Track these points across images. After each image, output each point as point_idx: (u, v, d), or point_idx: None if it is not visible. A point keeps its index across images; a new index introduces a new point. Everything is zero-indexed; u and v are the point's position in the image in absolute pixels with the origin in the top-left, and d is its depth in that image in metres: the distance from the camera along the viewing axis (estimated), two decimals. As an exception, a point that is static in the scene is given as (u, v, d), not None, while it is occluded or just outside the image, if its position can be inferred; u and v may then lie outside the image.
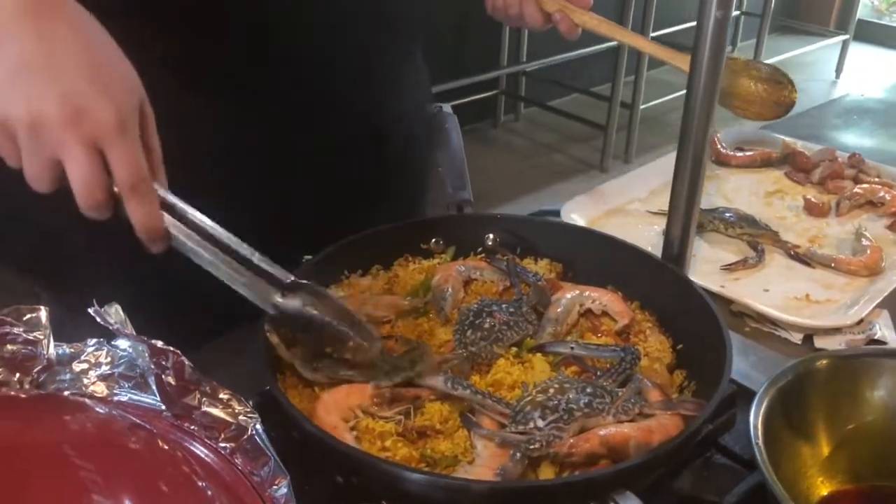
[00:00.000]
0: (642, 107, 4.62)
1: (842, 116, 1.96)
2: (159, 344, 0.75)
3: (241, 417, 0.76)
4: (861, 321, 1.11)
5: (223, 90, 1.06)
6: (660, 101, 4.77)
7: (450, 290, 1.05)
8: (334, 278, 1.07)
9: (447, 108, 1.32)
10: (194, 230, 0.82)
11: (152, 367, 0.77)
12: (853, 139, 1.84)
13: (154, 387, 0.78)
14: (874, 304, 1.14)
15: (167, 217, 0.80)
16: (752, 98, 1.18)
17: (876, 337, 1.07)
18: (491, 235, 1.15)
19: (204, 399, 0.76)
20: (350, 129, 1.17)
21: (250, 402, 0.85)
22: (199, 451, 0.74)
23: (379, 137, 1.21)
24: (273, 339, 0.90)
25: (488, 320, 0.97)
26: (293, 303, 0.87)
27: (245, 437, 0.75)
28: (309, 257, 1.03)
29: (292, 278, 0.87)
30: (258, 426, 0.75)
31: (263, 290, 0.86)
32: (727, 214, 1.37)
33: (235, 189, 1.05)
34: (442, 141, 1.26)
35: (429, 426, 0.85)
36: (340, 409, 0.85)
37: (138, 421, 0.73)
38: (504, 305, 1.00)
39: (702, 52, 0.97)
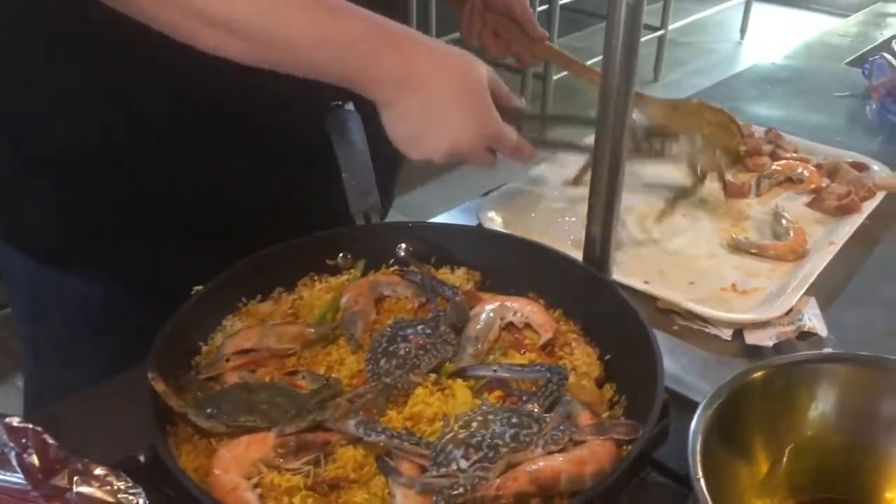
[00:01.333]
0: (555, 77, 4.59)
1: (756, 86, 1.94)
2: (15, 422, 0.65)
3: (120, 496, 0.66)
4: (790, 311, 1.07)
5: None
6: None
7: (360, 311, 0.97)
8: (230, 307, 0.97)
9: (349, 105, 1.22)
10: None
11: (11, 444, 0.66)
12: (767, 110, 1.82)
13: (15, 463, 0.67)
14: (801, 292, 1.10)
15: None
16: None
17: (806, 328, 1.03)
18: (403, 245, 1.07)
19: (76, 478, 0.66)
20: (232, 135, 1.07)
21: (141, 457, 0.76)
22: (75, 538, 0.65)
23: (267, 142, 1.11)
24: (159, 386, 0.80)
25: (403, 346, 0.90)
26: None
27: (127, 516, 0.65)
28: (199, 288, 0.93)
29: None
30: (141, 502, 0.66)
31: None
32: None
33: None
34: (344, 143, 1.16)
35: (342, 476, 0.77)
36: (240, 466, 0.76)
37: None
38: (420, 327, 0.93)
39: (616, 25, 0.89)
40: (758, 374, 0.77)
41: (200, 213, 1.08)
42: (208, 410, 0.81)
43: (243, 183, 1.12)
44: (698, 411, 0.72)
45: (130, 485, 0.67)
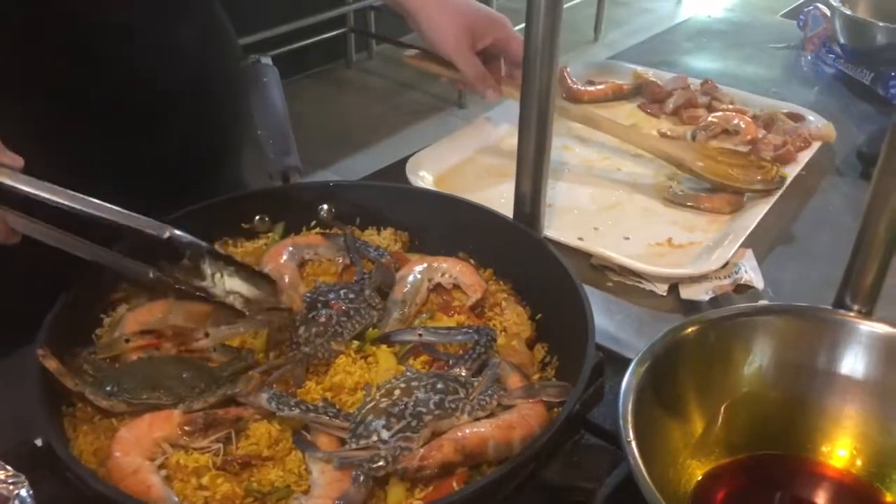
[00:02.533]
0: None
1: (692, 39, 1.91)
2: None
3: (0, 486, 0.60)
4: (726, 264, 1.05)
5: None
6: (515, 28, 4.67)
7: (286, 280, 0.90)
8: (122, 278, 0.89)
9: (266, 59, 1.15)
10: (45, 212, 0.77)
11: None
12: (704, 63, 1.79)
13: None
14: (738, 245, 1.08)
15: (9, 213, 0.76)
16: (732, 179, 1.19)
17: (742, 281, 1.01)
18: (325, 206, 1.01)
19: (-52, 468, 0.60)
20: (135, 95, 0.99)
21: (38, 442, 0.70)
22: (-52, 534, 0.58)
23: (173, 101, 1.03)
24: (50, 364, 0.73)
25: (324, 312, 0.84)
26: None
27: (9, 508, 0.59)
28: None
29: (168, 233, 0.80)
30: (23, 492, 0.60)
31: (136, 271, 0.82)
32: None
33: None
34: (260, 98, 1.09)
35: (254, 454, 0.71)
36: (143, 447, 0.70)
37: None
38: (342, 291, 0.87)
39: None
40: (691, 330, 0.73)
41: (112, 175, 1.00)
42: (108, 388, 0.75)
43: (156, 143, 1.04)
44: (629, 370, 0.69)
45: (11, 474, 0.60)
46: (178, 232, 0.80)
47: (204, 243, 0.82)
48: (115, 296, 0.88)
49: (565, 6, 0.95)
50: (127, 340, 0.80)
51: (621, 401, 0.66)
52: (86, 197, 0.77)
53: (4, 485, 0.60)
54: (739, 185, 1.18)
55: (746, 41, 1.90)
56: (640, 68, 1.59)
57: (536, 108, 0.91)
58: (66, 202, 0.76)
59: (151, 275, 0.82)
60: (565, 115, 1.30)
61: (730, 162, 1.21)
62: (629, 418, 0.64)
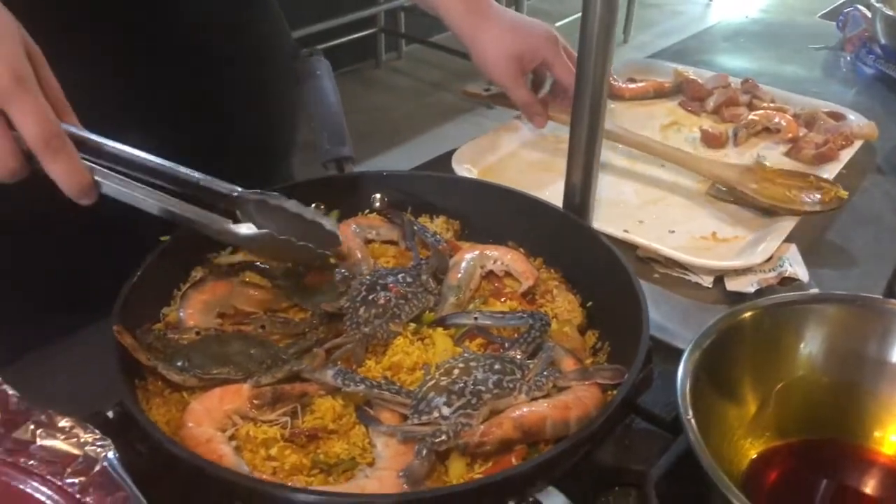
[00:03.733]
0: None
1: (729, 40, 1.92)
2: (-29, 372, 0.61)
3: (88, 448, 0.63)
4: (770, 258, 1.06)
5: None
6: (558, 24, 4.69)
7: (358, 255, 0.94)
8: (198, 258, 0.93)
9: (318, 52, 1.18)
10: (126, 167, 0.78)
11: (-31, 397, 0.62)
12: (741, 63, 1.80)
13: (-25, 419, 0.64)
14: (782, 239, 1.09)
15: (92, 164, 0.74)
16: (789, 201, 1.17)
17: (787, 274, 1.02)
18: (378, 195, 1.04)
19: (39, 431, 0.63)
20: (196, 83, 1.02)
21: (110, 413, 0.73)
22: (40, 493, 0.61)
23: (232, 87, 1.06)
24: (125, 340, 0.76)
25: (383, 295, 0.87)
26: (246, 232, 0.81)
27: (96, 469, 0.62)
28: (166, 238, 0.89)
29: (238, 191, 0.83)
30: (110, 455, 0.62)
31: (215, 225, 0.81)
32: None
33: None
34: (314, 90, 1.12)
35: (320, 427, 0.74)
36: (214, 418, 0.73)
37: (-47, 468, 0.59)
38: (401, 276, 0.90)
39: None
40: (746, 315, 0.75)
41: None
42: (179, 363, 0.78)
43: (217, 133, 1.07)
44: (687, 351, 0.70)
45: (98, 437, 0.63)
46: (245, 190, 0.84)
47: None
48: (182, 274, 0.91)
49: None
50: (198, 333, 0.83)
51: (679, 380, 0.68)
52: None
53: (92, 447, 0.62)
54: (797, 208, 1.15)
55: (784, 42, 1.91)
56: (680, 67, 1.60)
57: (589, 100, 0.93)
58: (146, 158, 0.80)
59: (229, 225, 0.82)
60: (620, 142, 1.30)
61: (788, 183, 1.19)
62: (688, 396, 0.66)
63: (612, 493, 0.81)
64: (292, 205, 0.87)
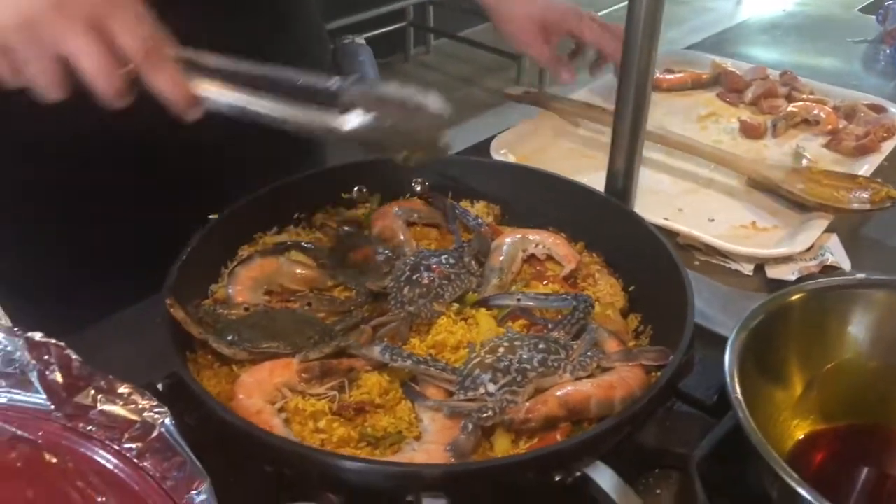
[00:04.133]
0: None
1: (766, 32, 1.91)
2: (38, 336, 0.63)
3: (146, 414, 0.64)
4: (811, 247, 1.06)
5: None
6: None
7: (402, 237, 0.95)
8: (245, 237, 0.94)
9: (360, 39, 1.20)
10: (224, 78, 0.75)
11: (33, 362, 0.64)
12: (779, 56, 1.79)
13: (37, 384, 0.65)
14: (823, 229, 1.09)
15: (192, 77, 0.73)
16: (836, 200, 1.14)
17: (829, 263, 1.02)
18: (420, 179, 1.05)
19: (100, 396, 0.64)
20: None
21: (159, 386, 0.74)
22: (99, 456, 0.63)
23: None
24: (178, 313, 0.78)
25: (427, 275, 0.88)
26: (356, 120, 0.76)
27: (153, 435, 0.63)
28: (215, 216, 0.90)
29: (337, 83, 0.78)
30: (167, 421, 0.64)
31: (321, 120, 0.76)
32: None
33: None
34: (355, 74, 1.13)
35: (367, 401, 0.75)
36: (264, 390, 0.75)
37: (17, 431, 0.61)
38: (444, 257, 0.91)
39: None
40: (793, 298, 0.75)
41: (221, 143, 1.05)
42: (229, 337, 0.79)
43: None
44: (734, 331, 0.71)
45: (155, 403, 0.64)
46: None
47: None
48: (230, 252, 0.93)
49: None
50: (246, 309, 0.84)
51: (727, 358, 0.68)
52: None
53: (150, 413, 0.64)
54: (844, 207, 1.14)
55: (822, 35, 1.89)
56: (718, 59, 1.60)
57: (634, 85, 0.93)
58: (244, 66, 0.78)
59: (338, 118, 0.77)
60: (664, 143, 1.30)
61: (835, 184, 1.17)
62: (735, 375, 0.66)
63: (652, 475, 0.82)
64: (394, 89, 0.81)
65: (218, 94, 0.74)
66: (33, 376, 0.65)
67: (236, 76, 0.76)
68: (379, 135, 0.78)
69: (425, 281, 0.87)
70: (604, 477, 0.64)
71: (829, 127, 1.38)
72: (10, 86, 0.71)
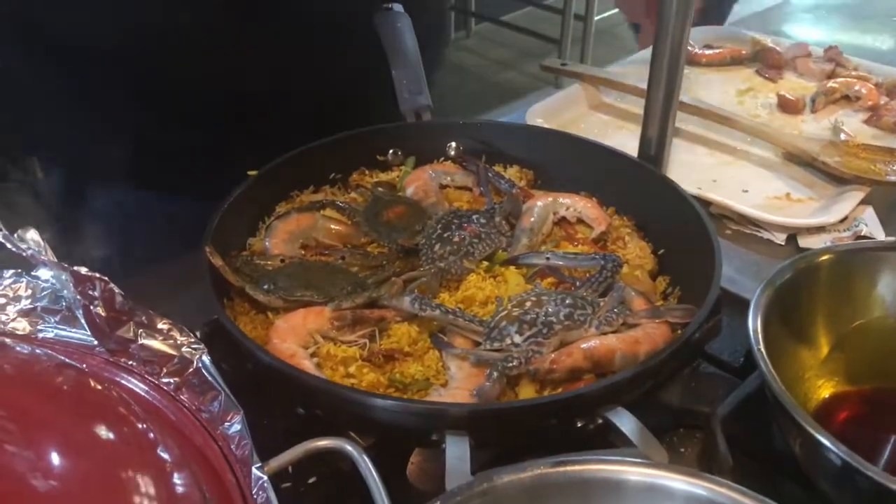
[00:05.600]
0: (596, 18, 4.49)
1: (810, 11, 1.88)
2: (83, 271, 0.66)
3: (184, 349, 0.67)
4: (845, 219, 1.05)
5: None
6: (614, 11, 4.64)
7: (434, 199, 0.97)
8: (282, 195, 0.97)
9: (398, 7, 1.21)
10: None
11: (78, 297, 0.67)
12: (822, 34, 1.77)
13: (83, 320, 0.69)
14: (858, 200, 1.08)
15: None
16: (873, 173, 1.14)
17: (863, 234, 1.01)
18: (454, 144, 1.06)
19: (140, 331, 0.67)
20: (288, 35, 1.06)
21: (197, 334, 0.77)
22: (139, 388, 0.66)
23: (321, 39, 1.10)
24: (216, 261, 0.81)
25: (458, 233, 0.89)
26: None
27: (190, 370, 0.66)
28: (253, 173, 0.93)
29: None
30: (205, 357, 0.67)
31: None
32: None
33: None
34: (395, 42, 1.14)
35: (396, 349, 0.77)
36: (298, 336, 0.77)
37: (66, 359, 0.64)
38: (475, 216, 0.92)
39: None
40: (822, 258, 0.75)
41: (255, 108, 1.07)
42: (265, 286, 0.82)
43: (295, 81, 1.11)
44: (760, 287, 0.71)
45: (193, 340, 0.67)
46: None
47: None
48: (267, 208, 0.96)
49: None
50: (282, 261, 0.87)
51: (751, 313, 0.68)
52: None
53: (188, 348, 0.67)
54: (881, 179, 1.12)
55: (866, 14, 1.86)
56: (759, 35, 1.58)
57: (668, 51, 0.93)
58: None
59: None
60: (699, 115, 1.29)
61: (873, 157, 1.17)
62: (759, 330, 0.67)
63: (677, 435, 0.83)
64: None
65: None
66: (79, 313, 0.68)
67: None
68: None
69: (456, 239, 0.88)
70: (625, 422, 0.65)
71: (870, 103, 1.36)
72: None
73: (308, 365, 0.74)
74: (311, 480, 0.72)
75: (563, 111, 1.34)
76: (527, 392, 0.73)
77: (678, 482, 0.52)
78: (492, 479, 0.54)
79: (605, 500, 0.54)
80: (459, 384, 0.73)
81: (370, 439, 0.70)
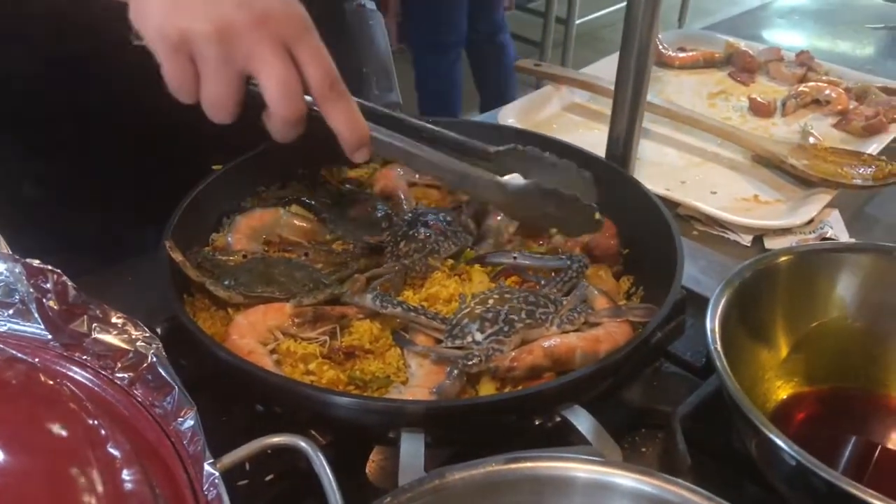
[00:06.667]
0: (577, 22, 4.51)
1: (784, 17, 1.90)
2: (36, 263, 0.65)
3: (138, 343, 0.66)
4: (811, 221, 1.06)
5: None
6: (595, 15, 4.67)
7: (402, 196, 0.96)
8: (248, 191, 0.96)
9: (370, 4, 1.21)
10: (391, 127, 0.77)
11: (31, 290, 0.66)
12: (796, 39, 1.78)
13: (36, 314, 0.68)
14: (825, 204, 1.09)
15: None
16: (840, 176, 1.15)
17: (828, 236, 1.02)
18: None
19: (94, 325, 0.66)
20: None
21: (158, 330, 0.76)
22: (91, 383, 0.65)
23: None
24: (177, 256, 0.80)
25: (423, 231, 0.89)
26: (516, 183, 0.79)
27: (144, 365, 0.65)
28: (218, 167, 0.92)
29: (494, 148, 0.81)
30: (159, 353, 0.66)
31: (488, 183, 0.79)
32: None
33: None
34: (366, 40, 1.14)
35: (357, 346, 0.77)
36: (257, 332, 0.77)
37: (16, 353, 0.63)
38: (441, 214, 0.92)
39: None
40: (781, 259, 0.76)
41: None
42: (226, 282, 0.81)
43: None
44: (720, 286, 0.71)
45: (147, 334, 0.66)
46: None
47: None
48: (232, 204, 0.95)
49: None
50: (244, 257, 0.86)
51: (709, 313, 0.69)
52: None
53: (143, 343, 0.66)
54: (847, 182, 1.14)
55: (841, 20, 1.88)
56: (732, 39, 1.60)
57: (636, 51, 0.94)
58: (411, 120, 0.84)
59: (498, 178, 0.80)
60: (669, 116, 1.30)
61: (840, 161, 1.18)
62: (717, 330, 0.67)
63: (638, 434, 0.83)
64: (549, 157, 0.85)
65: (389, 136, 0.76)
66: (32, 306, 0.67)
67: (401, 123, 0.80)
68: (538, 196, 0.79)
69: (421, 236, 0.88)
70: (581, 420, 0.65)
71: (840, 107, 1.37)
72: (182, 99, 0.70)
73: (267, 362, 0.74)
74: (268, 478, 0.71)
75: (535, 111, 1.35)
76: (487, 390, 0.73)
77: (627, 479, 0.52)
78: (444, 476, 0.54)
79: (556, 497, 0.54)
80: (420, 382, 0.73)
81: (329, 437, 0.70)
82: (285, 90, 0.67)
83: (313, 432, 0.69)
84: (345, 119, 0.72)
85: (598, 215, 0.82)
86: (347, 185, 0.99)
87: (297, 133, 0.72)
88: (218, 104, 0.69)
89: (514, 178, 0.80)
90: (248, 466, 0.67)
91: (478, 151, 0.82)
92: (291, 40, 0.67)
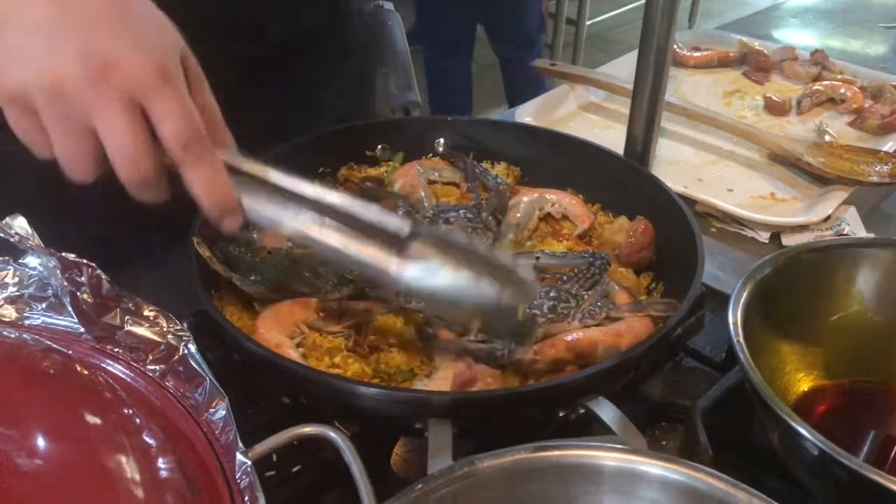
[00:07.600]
0: (588, 23, 4.51)
1: (797, 16, 1.90)
2: (71, 257, 0.66)
3: (170, 336, 0.67)
4: (828, 218, 1.07)
5: None
6: (606, 16, 4.66)
7: (422, 194, 0.97)
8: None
9: (388, 5, 1.22)
10: (283, 195, 0.66)
11: (65, 284, 0.68)
12: (809, 38, 1.79)
13: (70, 307, 0.69)
14: (841, 201, 1.09)
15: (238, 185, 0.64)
16: (856, 173, 1.15)
17: (844, 233, 1.03)
18: (442, 140, 1.07)
19: (127, 317, 0.68)
20: (281, 30, 1.06)
21: (184, 323, 0.77)
22: (124, 374, 0.66)
23: (313, 37, 1.10)
24: (204, 252, 0.81)
25: (443, 228, 0.90)
26: (413, 272, 0.66)
27: (176, 357, 0.67)
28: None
29: (408, 229, 0.67)
30: (190, 345, 0.67)
31: (380, 259, 0.66)
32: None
33: None
34: (384, 40, 1.15)
35: (381, 340, 0.78)
36: (284, 326, 0.78)
37: (53, 344, 0.65)
38: (462, 211, 0.93)
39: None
40: (802, 253, 0.77)
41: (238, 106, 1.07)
42: (252, 278, 0.82)
43: (276, 77, 1.11)
44: (741, 280, 0.72)
45: (179, 327, 0.68)
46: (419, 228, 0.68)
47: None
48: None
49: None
50: (269, 252, 0.87)
51: (731, 307, 0.70)
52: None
53: (174, 335, 0.67)
54: (863, 180, 1.14)
55: (855, 20, 1.88)
56: (746, 38, 1.60)
57: (655, 49, 0.95)
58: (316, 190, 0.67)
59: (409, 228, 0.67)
60: (686, 115, 1.30)
61: (856, 158, 1.18)
62: (739, 322, 0.68)
63: (658, 428, 0.84)
64: (477, 244, 0.70)
65: (263, 216, 0.65)
66: (66, 300, 0.69)
67: (299, 197, 0.66)
68: (443, 298, 0.66)
69: (442, 233, 0.89)
70: (605, 410, 0.66)
71: (855, 106, 1.38)
72: (35, 153, 0.62)
73: (294, 355, 0.75)
74: (294, 469, 0.73)
75: (552, 110, 1.35)
76: (510, 384, 0.74)
77: (655, 467, 0.53)
78: (473, 464, 0.55)
79: (583, 485, 0.54)
80: (443, 375, 0.74)
81: (354, 428, 0.71)
82: (123, 153, 0.59)
83: (337, 424, 0.70)
84: (202, 184, 0.62)
85: (521, 313, 0.70)
86: (368, 183, 1.00)
87: (156, 195, 0.63)
88: (70, 163, 0.61)
89: (424, 270, 0.66)
90: (274, 458, 0.69)
91: (386, 233, 0.67)
92: (141, 95, 0.58)
